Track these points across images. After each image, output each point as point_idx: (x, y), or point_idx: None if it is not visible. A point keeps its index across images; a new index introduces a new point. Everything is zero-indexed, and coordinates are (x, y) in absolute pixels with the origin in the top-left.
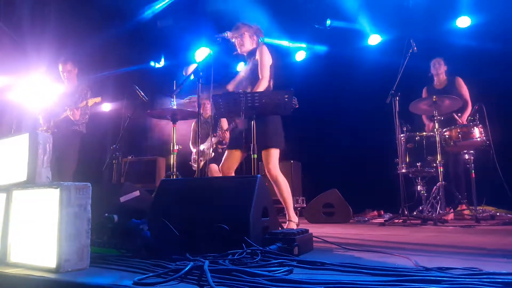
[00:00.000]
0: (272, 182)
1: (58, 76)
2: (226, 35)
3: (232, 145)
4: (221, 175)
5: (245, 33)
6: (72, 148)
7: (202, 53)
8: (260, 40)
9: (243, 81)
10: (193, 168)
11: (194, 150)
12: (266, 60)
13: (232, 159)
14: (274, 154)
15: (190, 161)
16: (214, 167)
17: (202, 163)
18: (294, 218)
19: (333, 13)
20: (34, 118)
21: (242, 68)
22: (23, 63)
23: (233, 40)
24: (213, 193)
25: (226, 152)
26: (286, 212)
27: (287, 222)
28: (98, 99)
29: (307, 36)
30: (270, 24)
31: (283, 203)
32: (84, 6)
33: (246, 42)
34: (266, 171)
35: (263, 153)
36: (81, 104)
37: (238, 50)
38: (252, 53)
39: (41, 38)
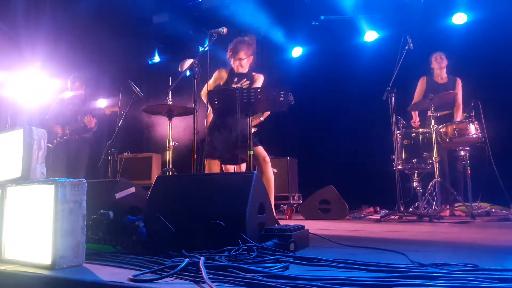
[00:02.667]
0: (266, 180)
1: (64, 85)
2: (222, 31)
3: (210, 155)
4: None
5: (248, 51)
6: (84, 154)
7: (197, 49)
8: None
9: None
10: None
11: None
12: None
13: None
14: (263, 150)
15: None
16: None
17: None
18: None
19: (329, 9)
20: (29, 114)
21: (220, 77)
22: (17, 59)
23: (232, 52)
24: (209, 190)
25: (206, 162)
26: None
27: None
28: (116, 108)
29: (303, 32)
30: (266, 19)
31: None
32: (79, 1)
33: (244, 61)
34: (263, 168)
35: (257, 151)
36: (99, 113)
37: (234, 64)
38: (246, 75)
39: (36, 34)
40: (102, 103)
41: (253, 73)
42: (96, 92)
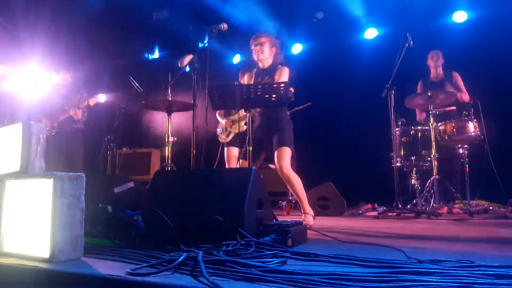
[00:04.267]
0: (284, 180)
1: (50, 70)
2: (222, 27)
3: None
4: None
5: (266, 43)
6: (77, 146)
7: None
8: (281, 53)
9: None
10: (220, 140)
11: (222, 121)
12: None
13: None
14: (288, 152)
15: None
16: (232, 151)
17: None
18: (310, 211)
19: (329, 6)
20: (28, 108)
21: (247, 79)
22: (17, 53)
23: (252, 47)
24: (208, 185)
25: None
26: (301, 206)
27: (303, 216)
28: (99, 98)
29: (303, 29)
30: (266, 16)
31: (297, 198)
32: None
33: (265, 51)
34: (278, 168)
35: (278, 151)
36: (83, 104)
37: (255, 57)
38: (269, 70)
39: (35, 28)
40: (102, 97)
41: (278, 66)
42: (83, 82)
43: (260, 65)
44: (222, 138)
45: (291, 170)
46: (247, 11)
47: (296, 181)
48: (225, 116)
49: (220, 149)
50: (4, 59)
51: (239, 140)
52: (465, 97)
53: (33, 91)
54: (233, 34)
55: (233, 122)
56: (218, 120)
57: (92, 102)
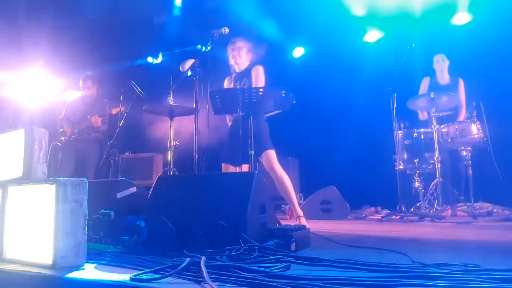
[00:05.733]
0: (277, 182)
1: (77, 86)
2: (223, 30)
3: (224, 159)
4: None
5: (244, 48)
6: (93, 154)
7: (199, 49)
8: (254, 59)
9: None
10: None
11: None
12: (262, 82)
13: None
14: (274, 154)
15: None
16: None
17: None
18: (301, 212)
19: (331, 9)
20: (30, 114)
21: (229, 84)
22: (19, 59)
23: (229, 52)
24: (210, 189)
25: (223, 165)
26: (294, 208)
27: (297, 218)
28: (122, 108)
29: (305, 32)
30: (267, 19)
31: (289, 200)
32: (80, 1)
33: (242, 56)
34: (270, 171)
35: (263, 156)
36: (105, 113)
37: (232, 61)
38: (245, 72)
39: (38, 34)
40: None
41: (253, 67)
42: (106, 92)
43: (236, 68)
44: None
45: (283, 170)
46: (249, 16)
47: (288, 181)
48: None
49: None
50: (7, 64)
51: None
52: (462, 114)
53: (36, 97)
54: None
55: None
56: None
57: (114, 111)
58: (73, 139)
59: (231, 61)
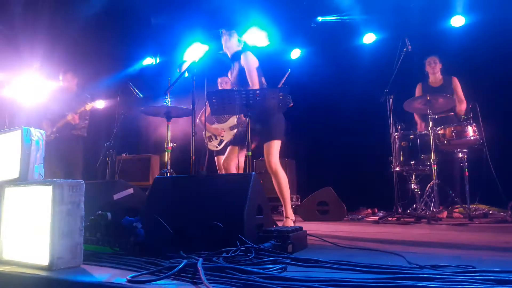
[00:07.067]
0: (272, 176)
1: (55, 79)
2: (220, 32)
3: (232, 142)
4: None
5: (233, 33)
6: (77, 152)
7: (196, 50)
8: (239, 42)
9: (234, 85)
10: (211, 148)
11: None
12: (252, 65)
13: (231, 156)
14: (275, 145)
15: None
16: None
17: (222, 144)
18: (291, 215)
19: (327, 11)
20: (27, 115)
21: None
22: (16, 60)
23: (223, 38)
24: (207, 191)
25: (228, 148)
26: (284, 208)
27: (284, 219)
28: (95, 103)
29: (302, 34)
30: (264, 21)
31: (281, 199)
32: (77, 2)
33: (232, 41)
34: (266, 163)
35: (265, 146)
36: (80, 109)
37: (224, 48)
38: (236, 56)
39: (35, 35)
40: (100, 104)
41: (242, 53)
42: (87, 88)
43: (228, 54)
44: (214, 146)
45: (280, 166)
46: (246, 17)
47: (284, 179)
48: (213, 123)
49: (207, 157)
50: (4, 66)
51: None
52: (463, 106)
53: (32, 97)
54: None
55: (231, 128)
56: (201, 127)
57: (88, 106)
58: (53, 139)
59: (224, 48)
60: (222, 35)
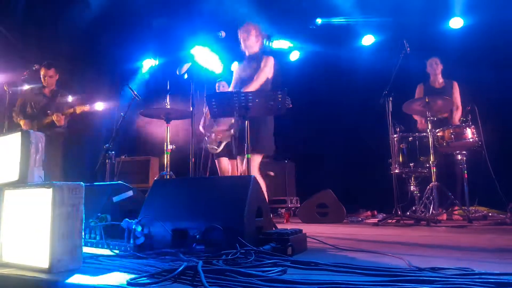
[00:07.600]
0: None
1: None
2: (220, 34)
3: (229, 156)
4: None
5: (252, 30)
6: (56, 148)
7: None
8: (265, 43)
9: (243, 83)
10: (212, 151)
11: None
12: (268, 71)
13: (233, 170)
14: (257, 159)
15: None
16: (223, 161)
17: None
18: None
19: (327, 13)
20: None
21: (236, 67)
22: (16, 62)
23: (240, 35)
24: (207, 193)
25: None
26: None
27: None
28: (86, 108)
29: (301, 36)
30: (263, 23)
31: None
32: (78, 4)
33: (251, 39)
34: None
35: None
36: (69, 111)
37: (242, 45)
38: (255, 57)
39: (35, 37)
40: (99, 105)
41: (264, 56)
42: (69, 87)
43: (246, 52)
44: (214, 149)
45: (260, 176)
46: (246, 19)
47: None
48: (211, 126)
49: (210, 160)
50: (4, 67)
51: (229, 149)
52: (458, 114)
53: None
54: (231, 42)
55: (229, 129)
56: (204, 131)
57: (78, 110)
58: None
59: (242, 46)
60: (239, 34)
